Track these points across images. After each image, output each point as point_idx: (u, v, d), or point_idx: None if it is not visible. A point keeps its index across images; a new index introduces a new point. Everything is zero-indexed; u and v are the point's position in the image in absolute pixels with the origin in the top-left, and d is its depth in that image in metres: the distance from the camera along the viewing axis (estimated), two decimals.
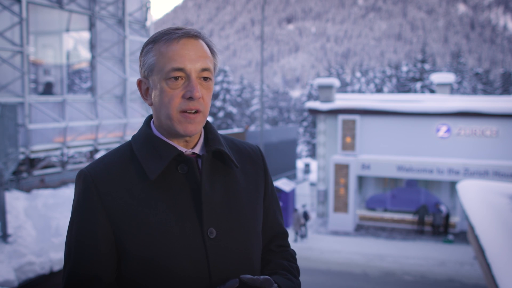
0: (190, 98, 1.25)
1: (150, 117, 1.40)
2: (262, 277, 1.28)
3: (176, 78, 1.25)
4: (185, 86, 1.26)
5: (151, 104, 1.32)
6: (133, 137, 1.37)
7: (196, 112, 1.27)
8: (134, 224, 1.24)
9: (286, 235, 1.56)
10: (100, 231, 1.25)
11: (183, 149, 1.32)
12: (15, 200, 8.75)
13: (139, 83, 1.34)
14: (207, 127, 1.40)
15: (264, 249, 1.48)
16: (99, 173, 1.28)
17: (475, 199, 6.41)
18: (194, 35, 1.29)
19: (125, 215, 1.24)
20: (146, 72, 1.30)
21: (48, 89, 11.72)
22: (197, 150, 1.35)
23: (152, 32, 14.12)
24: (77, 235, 1.26)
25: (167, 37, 1.27)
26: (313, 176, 32.25)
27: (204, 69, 1.28)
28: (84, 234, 1.25)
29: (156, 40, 1.29)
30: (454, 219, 18.41)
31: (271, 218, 1.50)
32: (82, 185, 1.28)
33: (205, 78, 1.29)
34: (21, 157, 9.90)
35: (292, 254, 1.54)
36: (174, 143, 1.32)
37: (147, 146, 1.31)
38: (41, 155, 10.69)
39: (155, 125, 1.34)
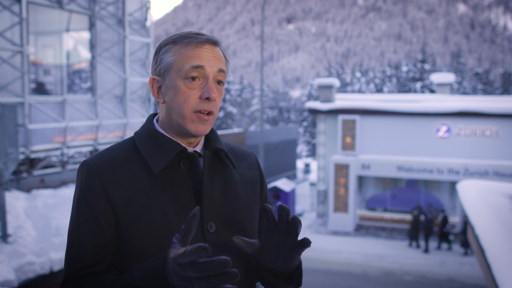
0: (207, 99, 1.29)
1: (152, 116, 1.43)
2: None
3: (194, 78, 1.29)
4: (202, 86, 1.30)
5: (163, 102, 1.35)
6: (136, 133, 1.40)
7: (209, 113, 1.31)
8: (136, 215, 1.26)
9: None
10: (103, 218, 1.26)
11: (186, 147, 1.36)
12: (15, 200, 8.76)
13: (152, 80, 1.37)
14: None
15: None
16: (103, 164, 1.31)
17: (475, 199, 6.41)
18: (215, 42, 1.34)
19: (128, 206, 1.27)
20: (162, 71, 1.33)
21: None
22: (198, 149, 1.39)
23: (152, 32, 14.13)
24: (79, 222, 1.27)
25: (189, 40, 1.31)
26: (313, 176, 32.23)
27: (221, 70, 1.32)
28: (88, 220, 1.26)
29: (176, 41, 1.33)
30: (454, 219, 18.39)
31: None
32: (86, 173, 1.30)
33: (219, 82, 1.33)
34: (21, 157, 9.90)
35: None
36: (177, 140, 1.36)
37: (151, 141, 1.35)
38: (41, 155, 10.69)
39: (160, 123, 1.38)
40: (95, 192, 1.27)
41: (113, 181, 1.28)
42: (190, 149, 1.36)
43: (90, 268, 1.24)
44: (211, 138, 1.41)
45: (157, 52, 1.36)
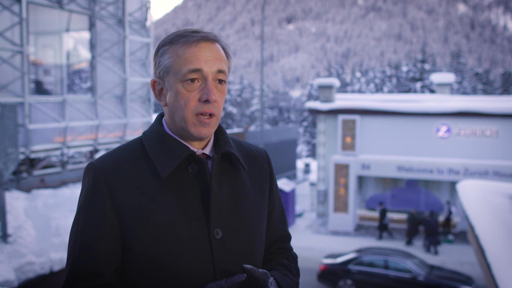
0: (206, 101, 1.25)
1: (161, 115, 1.40)
2: (260, 270, 1.29)
3: (193, 80, 1.25)
4: (201, 88, 1.26)
5: (165, 105, 1.32)
6: (144, 133, 1.37)
7: (211, 115, 1.28)
8: (142, 221, 1.24)
9: (289, 238, 1.57)
10: (108, 225, 1.24)
11: (194, 149, 1.33)
12: (15, 200, 8.75)
13: (153, 83, 1.34)
14: (218, 129, 1.41)
15: (265, 251, 1.49)
16: (110, 167, 1.28)
17: (475, 199, 6.41)
18: (212, 39, 1.30)
19: (134, 212, 1.24)
20: (162, 73, 1.30)
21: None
22: (207, 151, 1.35)
23: (152, 32, 14.12)
24: (83, 228, 1.25)
25: (185, 39, 1.27)
26: (313, 176, 32.21)
27: (220, 71, 1.28)
28: (91, 227, 1.25)
29: (173, 41, 1.29)
30: (454, 219, 18.40)
31: (274, 221, 1.50)
32: (92, 178, 1.27)
33: (220, 81, 1.29)
34: (21, 157, 9.90)
35: (294, 256, 1.54)
36: (185, 143, 1.33)
37: (159, 143, 1.31)
38: (41, 155, 10.69)
39: (168, 124, 1.34)
40: (101, 198, 1.25)
41: (119, 185, 1.26)
42: (198, 152, 1.33)
43: (91, 279, 1.22)
44: (220, 139, 1.38)
45: (156, 54, 1.33)
